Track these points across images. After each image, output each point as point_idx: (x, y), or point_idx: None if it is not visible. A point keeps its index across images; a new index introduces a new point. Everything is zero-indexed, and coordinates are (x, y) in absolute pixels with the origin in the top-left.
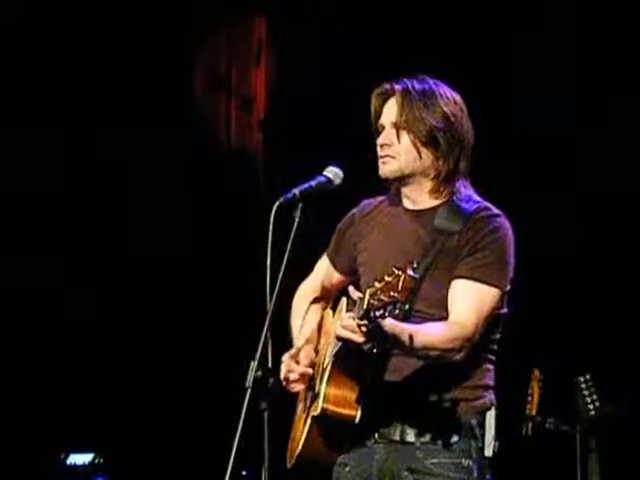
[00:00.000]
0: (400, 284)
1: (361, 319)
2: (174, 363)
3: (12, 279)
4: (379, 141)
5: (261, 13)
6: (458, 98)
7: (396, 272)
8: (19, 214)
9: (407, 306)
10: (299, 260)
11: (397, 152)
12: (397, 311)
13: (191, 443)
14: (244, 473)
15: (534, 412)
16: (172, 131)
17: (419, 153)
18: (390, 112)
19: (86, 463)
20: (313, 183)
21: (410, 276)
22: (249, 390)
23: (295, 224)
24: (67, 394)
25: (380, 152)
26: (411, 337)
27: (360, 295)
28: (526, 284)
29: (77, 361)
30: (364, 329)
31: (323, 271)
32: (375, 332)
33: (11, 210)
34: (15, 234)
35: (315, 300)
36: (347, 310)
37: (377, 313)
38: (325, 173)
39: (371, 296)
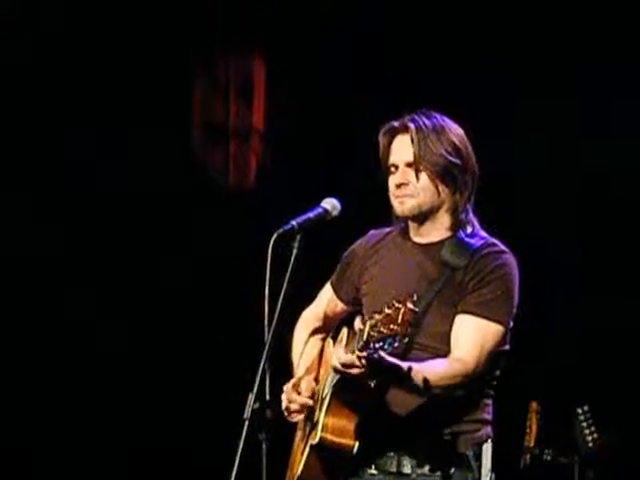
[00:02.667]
0: (400, 317)
1: (360, 350)
2: (173, 396)
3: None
4: (396, 181)
5: (259, 51)
6: (462, 130)
7: (396, 305)
8: None
9: (407, 339)
10: (297, 292)
11: (416, 191)
12: (396, 344)
13: (190, 476)
14: None
15: (532, 444)
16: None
17: (437, 189)
18: (403, 150)
19: None
20: (311, 215)
21: (410, 309)
22: (247, 422)
23: (293, 255)
24: (66, 428)
25: (397, 192)
26: (410, 373)
27: (361, 327)
28: (525, 316)
29: (76, 396)
30: (363, 361)
31: (326, 300)
32: (373, 365)
33: None
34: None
35: (317, 329)
36: (347, 341)
37: (376, 345)
38: (323, 204)
39: (371, 328)
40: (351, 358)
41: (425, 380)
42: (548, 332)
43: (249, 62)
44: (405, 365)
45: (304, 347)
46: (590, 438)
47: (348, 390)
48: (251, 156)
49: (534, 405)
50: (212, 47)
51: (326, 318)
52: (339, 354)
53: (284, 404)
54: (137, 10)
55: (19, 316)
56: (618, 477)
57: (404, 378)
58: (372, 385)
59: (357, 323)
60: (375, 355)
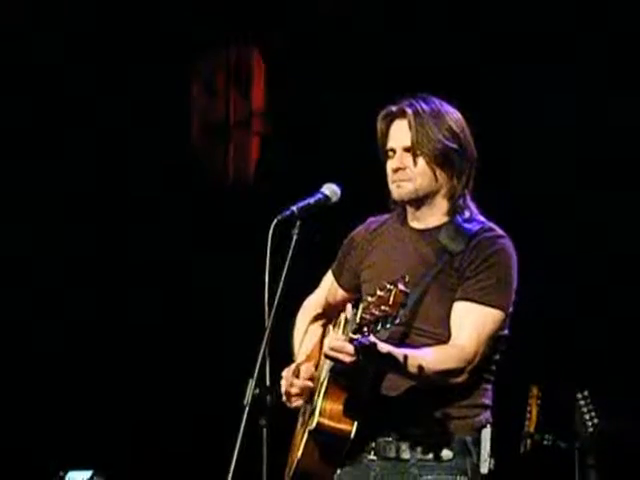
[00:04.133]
0: (392, 298)
1: (354, 333)
2: (173, 380)
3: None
4: (393, 165)
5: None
6: (460, 115)
7: (388, 287)
8: None
9: (398, 321)
10: (297, 277)
11: (413, 175)
12: (388, 325)
13: (190, 460)
14: None
15: (532, 429)
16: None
17: (435, 174)
18: (401, 135)
19: None
20: (311, 200)
21: (401, 290)
22: (247, 408)
23: (293, 241)
24: (65, 411)
25: (394, 176)
26: (404, 359)
27: (355, 311)
28: (524, 301)
29: (76, 378)
30: (355, 345)
31: (327, 287)
32: (365, 351)
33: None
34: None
35: (318, 316)
36: (343, 328)
37: (370, 328)
38: (323, 190)
39: (363, 311)
40: (341, 343)
41: (420, 367)
42: (548, 316)
43: (247, 51)
44: (399, 352)
45: (304, 335)
46: (590, 423)
47: (346, 375)
48: (251, 149)
49: (534, 390)
50: (210, 37)
51: (328, 306)
52: (331, 339)
53: (284, 389)
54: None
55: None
56: (618, 462)
57: (398, 364)
58: (369, 369)
59: (348, 309)
60: (366, 340)
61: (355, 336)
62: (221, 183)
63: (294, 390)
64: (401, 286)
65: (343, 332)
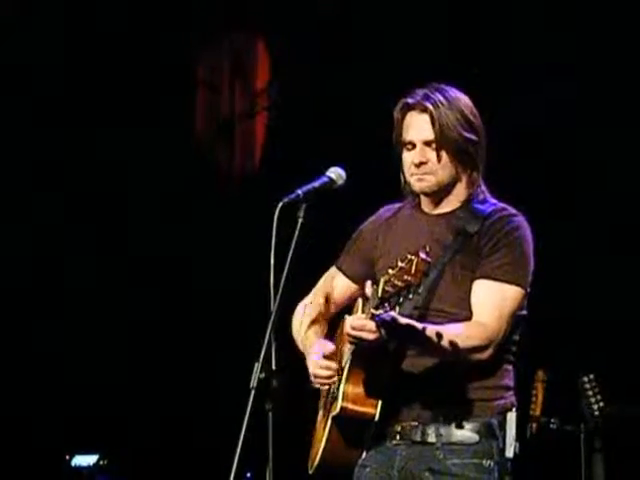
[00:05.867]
0: (413, 267)
1: (376, 309)
2: (177, 364)
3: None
4: (415, 160)
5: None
6: (470, 100)
7: (409, 257)
8: None
9: (421, 289)
10: (303, 261)
11: (435, 169)
12: (411, 295)
13: (195, 444)
14: (248, 475)
15: (538, 412)
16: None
17: (456, 167)
18: (421, 129)
19: (91, 464)
20: (316, 184)
21: (423, 259)
22: (253, 391)
23: (298, 224)
24: (71, 395)
25: (416, 170)
26: (426, 333)
27: (375, 287)
28: (531, 282)
29: (81, 362)
30: (377, 322)
31: (329, 285)
32: (387, 325)
33: None
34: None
35: (319, 315)
36: (363, 309)
37: (392, 300)
38: (328, 174)
39: (385, 283)
40: (362, 321)
41: (444, 341)
42: (552, 299)
43: (250, 41)
44: (421, 325)
45: (308, 327)
46: (596, 407)
47: (367, 358)
48: (256, 139)
49: (540, 373)
50: (213, 28)
51: (330, 304)
52: (351, 319)
53: (312, 370)
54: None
55: None
56: (625, 446)
57: (421, 339)
58: (391, 348)
59: (368, 286)
60: (387, 316)
61: (377, 312)
62: (227, 174)
63: (325, 372)
64: (422, 255)
65: (362, 312)
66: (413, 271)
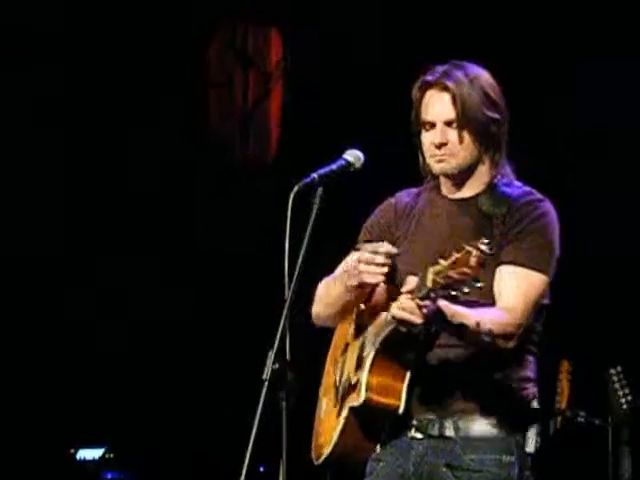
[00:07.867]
0: (472, 260)
1: (422, 299)
2: (185, 355)
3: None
4: (435, 140)
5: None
6: (491, 77)
7: (467, 248)
8: None
9: (479, 284)
10: (318, 247)
11: (457, 150)
12: (466, 289)
13: (203, 438)
14: (261, 469)
15: (564, 406)
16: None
17: (478, 147)
18: (442, 108)
19: (96, 458)
20: (334, 166)
21: (483, 252)
22: (266, 382)
23: (314, 209)
24: (77, 389)
25: (436, 151)
26: (478, 324)
27: (420, 274)
28: (555, 273)
29: (87, 356)
30: (425, 310)
31: None
32: (435, 314)
33: None
34: None
35: None
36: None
37: (441, 292)
38: (345, 156)
39: (436, 274)
40: (413, 303)
41: (481, 327)
42: (575, 287)
43: (265, 31)
44: (470, 316)
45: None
46: (624, 400)
47: (393, 348)
48: (270, 129)
49: (565, 364)
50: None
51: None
52: (401, 300)
53: (360, 257)
54: None
55: None
56: None
57: (462, 328)
58: (422, 337)
59: (410, 279)
60: (433, 307)
61: (424, 302)
62: (241, 163)
63: (379, 259)
64: (482, 247)
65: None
66: (472, 264)
